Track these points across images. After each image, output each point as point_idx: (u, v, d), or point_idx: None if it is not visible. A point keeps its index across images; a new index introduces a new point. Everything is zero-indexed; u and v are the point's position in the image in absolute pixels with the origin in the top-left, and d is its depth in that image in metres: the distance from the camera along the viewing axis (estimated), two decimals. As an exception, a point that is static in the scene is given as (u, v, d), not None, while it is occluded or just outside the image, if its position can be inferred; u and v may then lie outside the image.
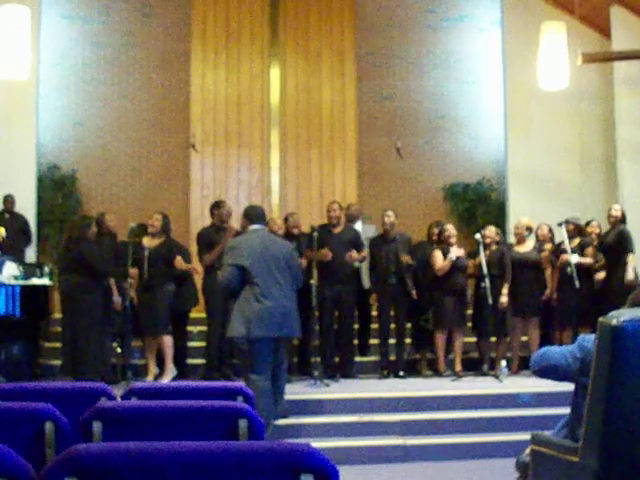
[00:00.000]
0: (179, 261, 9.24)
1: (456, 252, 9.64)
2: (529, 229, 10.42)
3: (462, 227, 13.29)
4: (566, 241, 9.68)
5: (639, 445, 3.70)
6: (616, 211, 9.84)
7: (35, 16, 11.61)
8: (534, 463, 4.32)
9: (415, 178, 13.91)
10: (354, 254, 9.46)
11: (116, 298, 9.37)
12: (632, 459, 3.71)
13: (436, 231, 10.20)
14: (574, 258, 9.54)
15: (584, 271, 9.66)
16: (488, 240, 9.86)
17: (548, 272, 10.12)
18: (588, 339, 4.09)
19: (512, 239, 10.91)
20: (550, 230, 10.45)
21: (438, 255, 9.69)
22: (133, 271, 9.15)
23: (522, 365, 9.90)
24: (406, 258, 9.60)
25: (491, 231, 10.01)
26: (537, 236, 10.41)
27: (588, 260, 9.78)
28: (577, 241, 9.96)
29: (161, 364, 9.25)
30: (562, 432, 4.27)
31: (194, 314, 10.50)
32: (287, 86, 13.33)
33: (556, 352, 4.21)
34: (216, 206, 9.84)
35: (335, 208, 9.77)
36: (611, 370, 3.64)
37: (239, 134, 13.22)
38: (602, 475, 3.67)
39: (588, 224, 10.29)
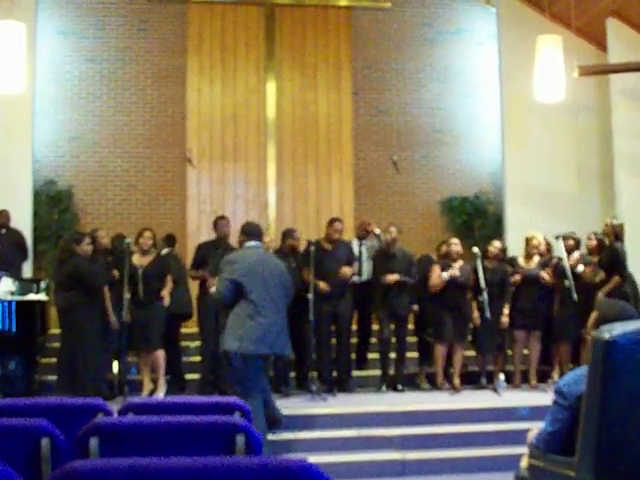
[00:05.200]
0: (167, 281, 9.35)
1: (453, 271, 9.60)
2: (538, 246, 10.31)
3: (459, 241, 13.27)
4: (564, 256, 9.67)
5: (634, 458, 3.69)
6: (607, 226, 9.87)
7: (31, 32, 11.62)
8: (532, 477, 4.31)
9: (412, 192, 13.90)
10: (346, 270, 9.50)
11: (113, 319, 9.13)
12: (627, 472, 3.70)
13: (445, 248, 10.21)
14: (580, 267, 9.53)
15: (583, 285, 9.64)
16: (493, 253, 9.90)
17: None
18: (561, 383, 4.14)
19: (512, 251, 10.90)
20: (548, 244, 10.43)
21: (436, 271, 9.69)
22: (115, 272, 9.16)
23: (522, 379, 9.89)
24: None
25: (496, 247, 10.05)
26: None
27: (587, 275, 9.76)
28: (577, 256, 9.93)
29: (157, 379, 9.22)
30: (550, 443, 4.22)
31: (189, 329, 10.47)
32: (283, 100, 13.32)
33: (546, 426, 4.16)
34: (214, 223, 9.86)
35: (340, 228, 9.79)
36: (604, 384, 3.64)
37: (235, 148, 13.20)
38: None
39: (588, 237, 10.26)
